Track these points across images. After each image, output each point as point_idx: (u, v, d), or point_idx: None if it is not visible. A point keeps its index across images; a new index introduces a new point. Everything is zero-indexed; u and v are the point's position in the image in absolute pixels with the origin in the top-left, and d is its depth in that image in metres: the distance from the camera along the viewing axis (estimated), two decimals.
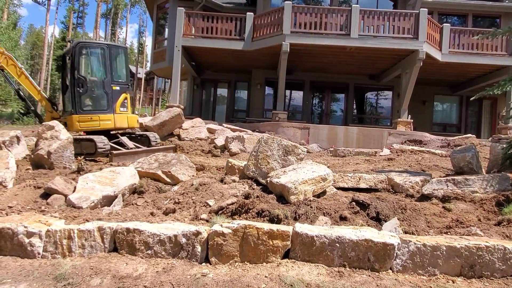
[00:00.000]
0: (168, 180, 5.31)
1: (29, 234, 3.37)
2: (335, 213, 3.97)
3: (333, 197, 4.43)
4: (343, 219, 3.89)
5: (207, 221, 3.92)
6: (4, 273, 3.08)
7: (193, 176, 5.59)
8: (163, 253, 3.28)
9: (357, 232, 3.18)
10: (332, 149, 10.33)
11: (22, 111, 33.76)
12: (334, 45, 12.42)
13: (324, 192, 4.48)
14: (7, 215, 4.09)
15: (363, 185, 4.85)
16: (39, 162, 6.14)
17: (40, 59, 45.62)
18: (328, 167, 5.37)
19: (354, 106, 17.55)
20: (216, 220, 3.76)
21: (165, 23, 17.83)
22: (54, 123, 6.69)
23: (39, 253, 3.37)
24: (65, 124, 7.79)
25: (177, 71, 13.43)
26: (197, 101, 18.20)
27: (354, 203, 4.20)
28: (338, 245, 3.10)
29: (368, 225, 3.77)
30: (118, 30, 52.55)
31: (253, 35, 13.36)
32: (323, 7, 13.83)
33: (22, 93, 8.47)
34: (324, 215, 3.89)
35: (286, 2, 12.57)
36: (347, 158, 8.49)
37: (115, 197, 4.67)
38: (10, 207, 4.34)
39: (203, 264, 3.20)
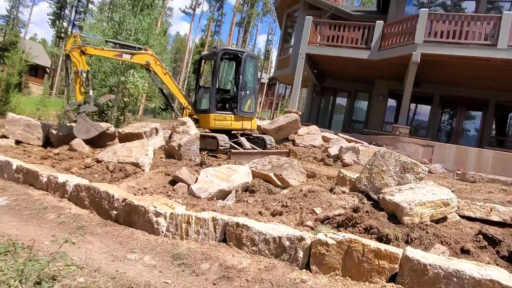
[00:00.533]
0: (278, 182, 5.47)
1: (157, 214, 3.87)
2: (455, 243, 3.53)
3: (455, 225, 3.94)
4: (465, 252, 3.43)
5: (311, 228, 3.91)
6: (135, 244, 3.61)
7: (303, 182, 5.64)
8: (266, 252, 3.39)
9: (482, 269, 2.77)
10: (460, 172, 9.18)
11: (162, 107, 38.87)
12: (476, 56, 11.02)
13: (444, 218, 4.02)
14: (142, 194, 4.77)
15: (494, 218, 4.19)
16: (170, 152, 6.99)
17: (181, 62, 51.81)
18: (453, 191, 4.80)
19: (493, 126, 15.24)
20: (321, 229, 3.73)
21: (292, 31, 18.39)
22: (186, 119, 7.54)
23: (162, 232, 3.84)
24: (196, 121, 8.64)
25: (298, 78, 13.71)
26: (315, 108, 18.25)
27: (481, 236, 3.66)
28: (455, 279, 2.75)
29: (497, 265, 3.25)
30: (248, 37, 56.22)
31: (380, 44, 12.79)
32: (465, 14, 12.43)
33: (164, 91, 9.57)
34: (442, 244, 3.49)
35: (422, 9, 11.69)
36: (478, 185, 7.43)
37: (229, 192, 5.01)
38: (145, 188, 5.06)
39: (303, 270, 3.21)
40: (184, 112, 9.21)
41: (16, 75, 17.00)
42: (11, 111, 14.14)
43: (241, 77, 8.61)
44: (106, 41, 9.77)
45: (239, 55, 8.92)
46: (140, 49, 8.74)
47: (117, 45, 9.11)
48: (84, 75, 7.87)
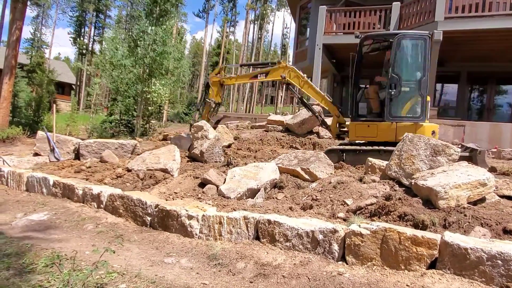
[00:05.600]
0: (306, 177, 5.44)
1: (189, 217, 3.94)
2: (496, 224, 3.39)
3: (494, 206, 3.80)
4: (507, 232, 3.29)
5: (344, 220, 3.87)
6: (170, 247, 3.69)
7: (331, 174, 5.58)
8: (300, 246, 3.38)
9: None
10: (495, 150, 8.83)
11: (184, 112, 39.55)
12: (501, 28, 10.54)
13: (482, 200, 3.88)
14: (173, 199, 4.87)
15: None
16: (195, 158, 7.09)
17: (199, 65, 52.36)
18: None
19: None
20: (353, 219, 3.68)
21: (307, 23, 18.20)
22: (202, 123, 7.40)
23: (196, 234, 3.91)
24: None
25: (317, 70, 13.57)
26: (336, 98, 17.99)
27: None
28: (500, 262, 2.65)
29: None
30: (264, 34, 56.10)
31: (399, 26, 12.46)
32: None
33: (305, 100, 8.52)
34: (482, 226, 3.37)
35: None
36: None
37: (258, 190, 5.03)
38: (176, 193, 5.16)
39: (339, 262, 3.18)
40: (332, 121, 7.96)
41: (45, 95, 17.76)
42: (43, 129, 14.81)
43: (390, 69, 6.64)
44: (241, 65, 10.31)
45: (390, 40, 6.93)
46: (274, 63, 8.19)
47: (251, 66, 9.17)
48: (213, 105, 8.49)
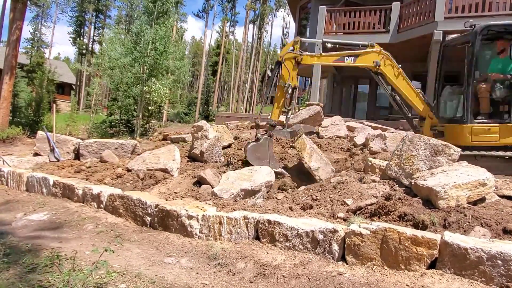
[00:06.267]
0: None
1: (189, 217, 3.94)
2: (496, 224, 3.40)
3: (494, 206, 3.80)
4: (507, 232, 3.30)
5: (344, 220, 3.87)
6: (170, 247, 3.69)
7: (330, 176, 5.57)
8: (300, 246, 3.38)
9: None
10: None
11: (184, 112, 39.52)
12: None
13: (482, 200, 3.88)
14: (173, 199, 4.87)
15: None
16: (195, 158, 7.08)
17: (199, 65, 52.37)
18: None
19: None
20: (353, 219, 3.68)
21: (307, 23, 18.21)
22: (202, 123, 7.30)
23: (196, 234, 3.91)
24: (440, 134, 6.37)
25: (317, 70, 13.56)
26: (337, 98, 18.00)
27: None
28: (500, 262, 2.65)
29: None
30: (264, 34, 56.14)
31: (399, 26, 12.46)
32: None
33: (397, 98, 7.15)
34: (482, 226, 3.37)
35: None
36: None
37: (252, 191, 4.98)
38: (176, 193, 5.17)
39: (339, 262, 3.18)
40: (425, 123, 6.83)
41: (45, 95, 17.76)
42: (43, 129, 14.87)
43: None
44: (323, 42, 7.19)
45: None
46: (365, 46, 6.55)
47: (337, 46, 7.01)
48: (290, 91, 6.19)
